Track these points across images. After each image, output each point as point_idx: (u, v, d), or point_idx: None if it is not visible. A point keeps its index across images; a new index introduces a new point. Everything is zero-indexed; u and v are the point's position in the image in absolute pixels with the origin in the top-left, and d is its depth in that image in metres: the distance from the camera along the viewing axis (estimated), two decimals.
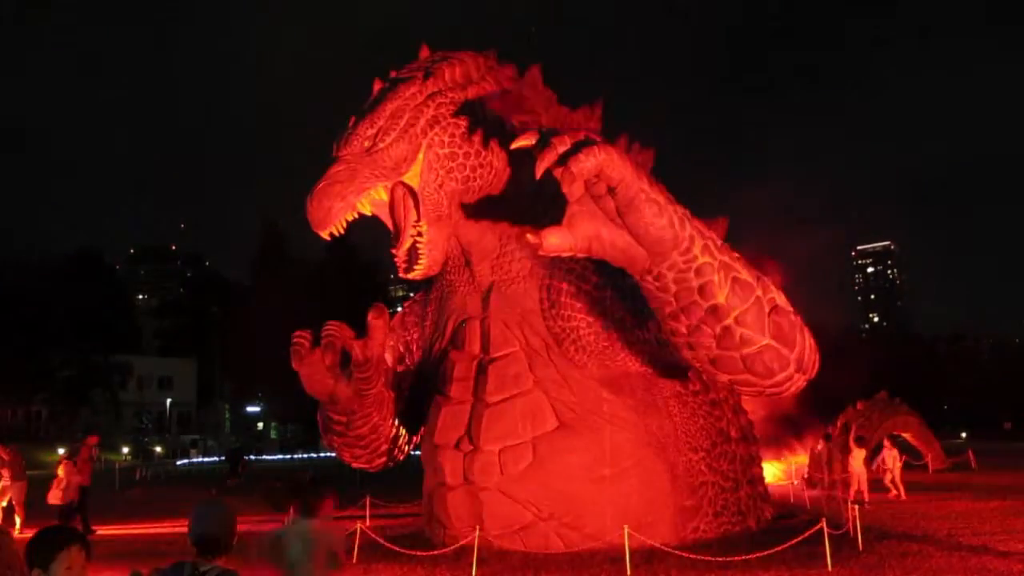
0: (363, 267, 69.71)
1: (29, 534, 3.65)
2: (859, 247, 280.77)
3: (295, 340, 10.96)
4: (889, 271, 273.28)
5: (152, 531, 17.37)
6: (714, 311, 8.92)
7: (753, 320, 9.07)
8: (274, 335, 18.49)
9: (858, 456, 18.76)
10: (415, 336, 13.49)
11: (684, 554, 10.38)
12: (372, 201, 10.99)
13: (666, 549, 10.65)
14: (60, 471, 17.26)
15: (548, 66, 13.32)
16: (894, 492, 19.17)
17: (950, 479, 23.25)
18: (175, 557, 4.29)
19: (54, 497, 16.85)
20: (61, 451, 17.76)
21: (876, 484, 19.52)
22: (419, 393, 12.97)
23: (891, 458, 20.12)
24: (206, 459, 62.56)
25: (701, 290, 8.81)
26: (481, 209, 11.85)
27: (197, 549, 3.97)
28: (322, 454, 53.02)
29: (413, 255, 11.38)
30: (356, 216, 10.84)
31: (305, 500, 6.24)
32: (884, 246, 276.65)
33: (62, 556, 3.41)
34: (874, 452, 21.47)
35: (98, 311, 64.28)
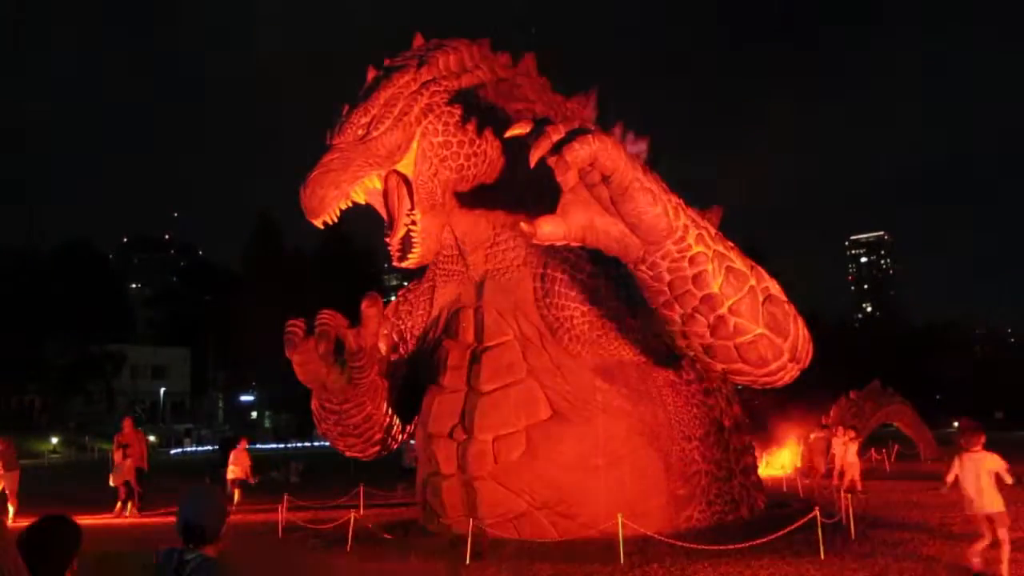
0: (357, 256, 69.77)
1: (23, 523, 3.64)
2: (852, 237, 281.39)
3: (288, 329, 10.93)
4: (883, 261, 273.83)
5: (145, 519, 17.38)
6: (708, 300, 8.92)
7: (747, 309, 9.08)
8: (268, 324, 18.55)
9: (851, 447, 18.78)
10: (409, 325, 13.46)
11: (677, 543, 10.41)
12: (366, 190, 10.94)
13: (659, 538, 10.67)
14: (117, 456, 18.83)
15: (544, 58, 13.27)
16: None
17: (942, 468, 23.31)
18: (167, 545, 4.29)
19: (114, 480, 18.58)
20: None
21: (868, 474, 19.59)
22: (413, 382, 12.96)
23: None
24: (200, 448, 62.59)
25: (695, 279, 8.81)
26: (475, 198, 11.82)
27: (183, 537, 3.97)
28: (316, 443, 53.07)
29: (407, 244, 11.36)
30: (350, 205, 10.80)
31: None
32: (878, 236, 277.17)
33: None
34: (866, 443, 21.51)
35: (91, 300, 64.13)
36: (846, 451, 18.77)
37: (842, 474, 18.94)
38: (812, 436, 25.85)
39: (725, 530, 11.71)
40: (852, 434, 19.39)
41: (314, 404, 12.24)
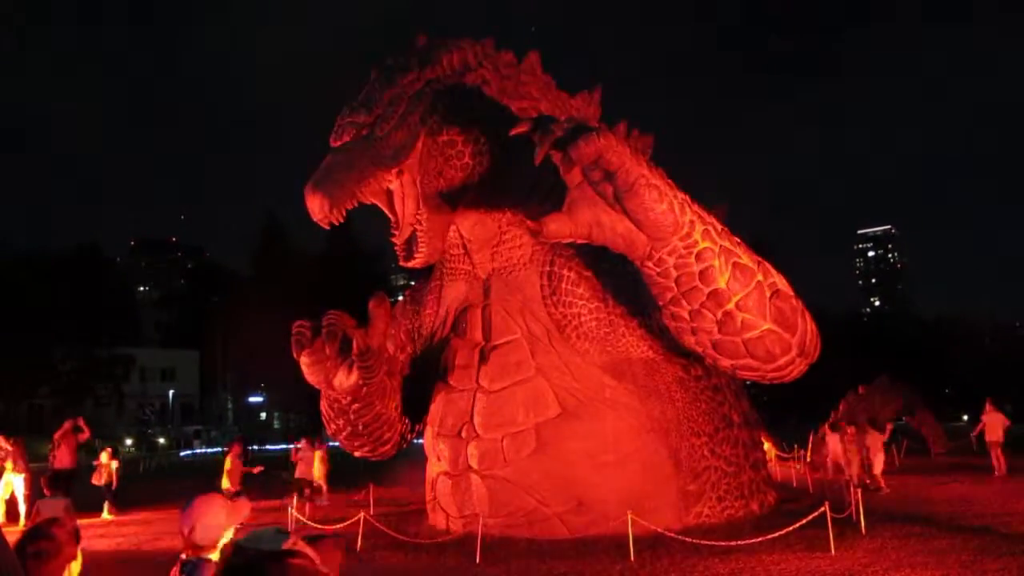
0: (364, 256, 69.74)
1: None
2: (860, 231, 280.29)
3: (296, 330, 10.95)
4: (890, 255, 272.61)
5: (156, 522, 17.41)
6: (715, 296, 8.91)
7: (754, 305, 9.06)
8: (276, 325, 18.56)
9: (875, 440, 18.52)
10: (416, 324, 13.48)
11: (687, 539, 10.40)
12: (371, 190, 10.95)
13: (669, 534, 10.67)
14: (103, 457, 19.48)
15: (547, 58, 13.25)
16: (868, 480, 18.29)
17: (951, 462, 23.29)
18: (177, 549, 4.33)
19: (95, 479, 19.09)
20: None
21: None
22: (421, 381, 12.97)
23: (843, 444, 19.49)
24: (209, 450, 62.65)
25: (702, 275, 8.80)
26: (481, 196, 11.82)
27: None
28: (326, 443, 53.13)
29: (413, 243, 11.36)
30: (356, 205, 10.81)
31: None
32: (885, 230, 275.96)
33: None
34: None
35: (99, 304, 64.21)
36: (870, 447, 18.52)
37: (841, 468, 18.87)
38: (821, 431, 25.80)
39: (735, 526, 11.70)
40: (875, 434, 19.12)
41: (323, 405, 12.27)
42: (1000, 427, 19.46)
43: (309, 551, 2.60)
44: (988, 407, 20.22)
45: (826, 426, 22.86)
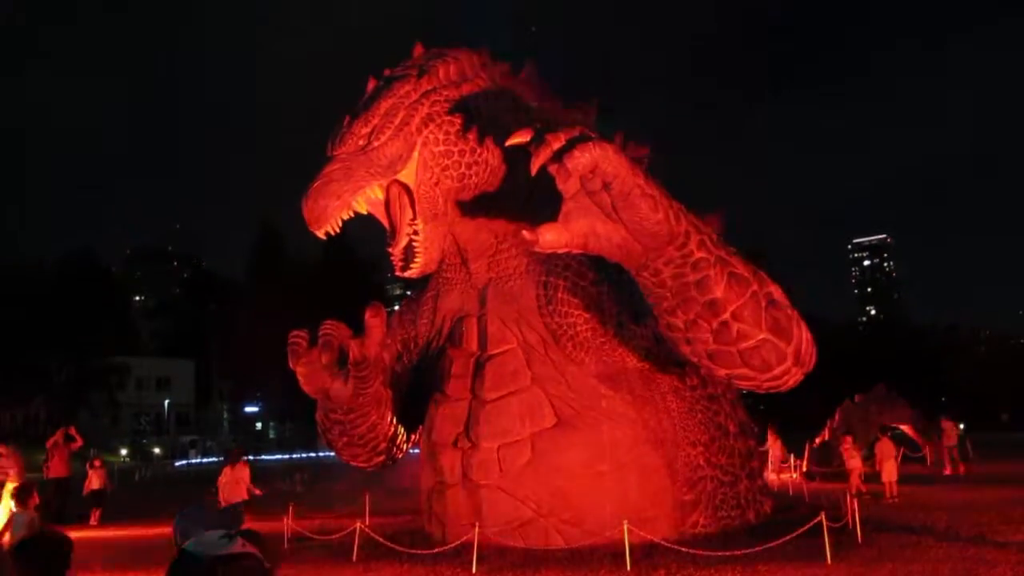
0: (360, 266, 69.86)
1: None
2: (855, 240, 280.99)
3: (292, 339, 10.95)
4: (885, 264, 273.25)
5: (150, 532, 17.35)
6: (711, 306, 8.92)
7: (750, 314, 9.07)
8: (272, 334, 18.57)
9: (886, 448, 18.46)
10: (412, 334, 13.48)
11: (684, 548, 10.39)
12: (368, 200, 10.99)
13: (666, 544, 10.65)
14: (91, 473, 19.91)
15: (546, 64, 13.30)
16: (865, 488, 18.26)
17: (947, 470, 23.30)
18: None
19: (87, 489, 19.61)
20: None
21: (872, 477, 19.51)
22: (417, 391, 12.97)
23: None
24: (205, 459, 62.45)
25: (698, 285, 8.81)
26: (477, 206, 11.84)
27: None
28: (321, 453, 53.04)
29: (409, 253, 11.38)
30: (352, 215, 10.84)
31: None
32: (880, 239, 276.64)
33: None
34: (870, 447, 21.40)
35: (95, 313, 64.16)
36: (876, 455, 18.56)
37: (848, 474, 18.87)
38: (817, 440, 25.84)
39: (732, 535, 11.68)
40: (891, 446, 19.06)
41: (319, 415, 12.25)
42: (955, 434, 24.49)
43: (256, 552, 2.66)
44: (945, 419, 25.19)
45: (769, 428, 23.79)
